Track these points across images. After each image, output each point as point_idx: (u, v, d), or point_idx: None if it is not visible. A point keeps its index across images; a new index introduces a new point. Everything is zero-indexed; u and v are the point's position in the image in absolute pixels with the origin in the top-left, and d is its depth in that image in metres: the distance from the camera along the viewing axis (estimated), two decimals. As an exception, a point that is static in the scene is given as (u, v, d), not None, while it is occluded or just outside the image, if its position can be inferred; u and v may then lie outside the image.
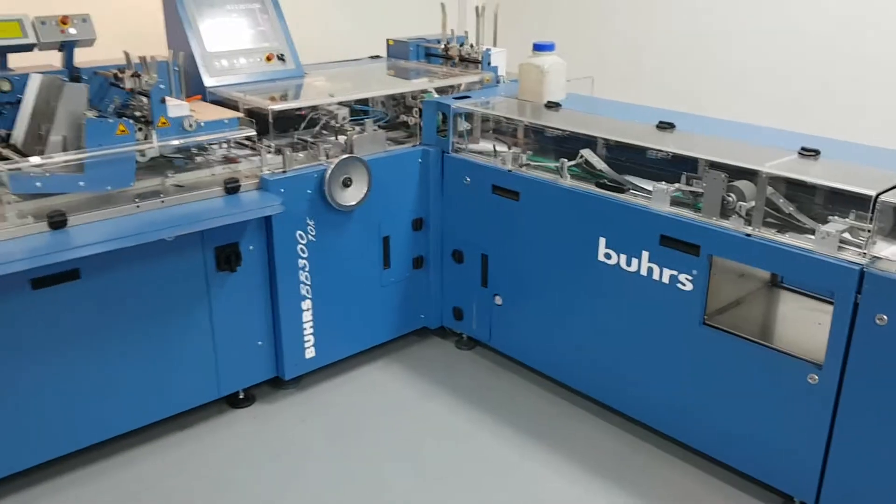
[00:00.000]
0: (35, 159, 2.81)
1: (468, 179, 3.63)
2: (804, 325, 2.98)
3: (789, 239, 2.61)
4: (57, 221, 2.77)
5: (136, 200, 2.97)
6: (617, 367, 3.23)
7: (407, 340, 4.08)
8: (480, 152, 3.65)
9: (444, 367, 3.88)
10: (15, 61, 3.24)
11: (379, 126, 3.68)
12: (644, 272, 3.00)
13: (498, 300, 3.68)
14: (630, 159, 3.26)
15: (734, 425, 2.87)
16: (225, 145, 3.41)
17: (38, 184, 2.78)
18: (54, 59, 3.38)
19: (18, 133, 3.06)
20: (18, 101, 3.12)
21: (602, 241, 3.13)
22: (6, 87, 3.13)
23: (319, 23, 5.07)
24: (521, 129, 3.73)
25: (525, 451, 3.26)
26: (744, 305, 3.11)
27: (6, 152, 2.98)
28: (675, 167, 3.05)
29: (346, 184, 3.43)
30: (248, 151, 3.42)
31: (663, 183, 2.95)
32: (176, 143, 3.08)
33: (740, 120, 3.47)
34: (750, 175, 2.73)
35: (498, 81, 4.17)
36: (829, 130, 3.17)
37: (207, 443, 3.30)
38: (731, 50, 4.82)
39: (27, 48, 3.19)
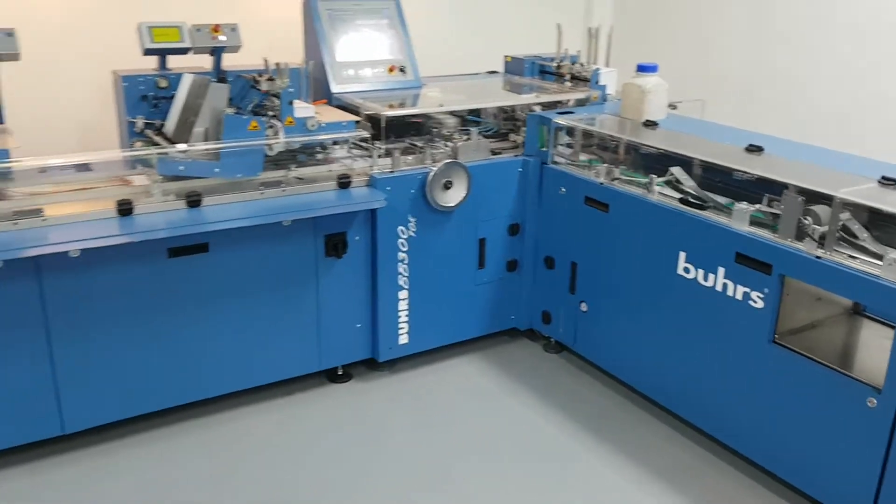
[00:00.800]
0: (180, 146, 3.28)
1: (563, 189, 3.84)
2: (878, 352, 2.97)
3: (858, 264, 2.66)
4: (193, 201, 3.22)
5: (261, 188, 3.40)
6: (689, 379, 3.34)
7: (497, 339, 4.32)
8: (577, 165, 3.85)
9: (530, 368, 4.09)
10: (172, 62, 3.75)
11: (484, 136, 3.96)
12: (719, 288, 3.11)
13: (583, 307, 3.86)
14: (721, 179, 3.37)
15: (797, 443, 2.92)
16: (344, 145, 3.79)
17: (180, 167, 3.25)
18: (206, 61, 3.87)
19: (170, 124, 3.56)
20: (172, 97, 3.63)
21: (682, 255, 3.25)
22: (164, 83, 3.64)
23: (446, 39, 5.42)
24: (616, 145, 3.89)
25: (598, 453, 3.42)
26: (820, 329, 3.14)
27: (158, 139, 3.48)
28: (759, 189, 3.14)
29: (447, 186, 3.72)
30: (363, 152, 3.79)
31: (744, 203, 3.06)
32: (299, 140, 3.48)
33: (847, 151, 3.48)
34: (826, 200, 2.79)
35: (605, 100, 4.35)
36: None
37: (306, 409, 3.67)
38: (843, 82, 4.77)
39: (183, 51, 3.69)
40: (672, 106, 4.47)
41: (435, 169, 3.65)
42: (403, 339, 3.89)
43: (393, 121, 3.79)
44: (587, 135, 3.92)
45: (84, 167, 3.41)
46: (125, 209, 3.09)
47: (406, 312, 3.85)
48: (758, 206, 3.06)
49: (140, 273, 3.19)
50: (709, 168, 3.35)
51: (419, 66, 4.38)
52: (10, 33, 3.21)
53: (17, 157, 3.03)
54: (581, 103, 4.29)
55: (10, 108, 3.37)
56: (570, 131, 3.92)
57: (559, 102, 4.22)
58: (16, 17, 3.54)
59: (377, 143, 3.71)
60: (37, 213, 2.98)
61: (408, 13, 4.42)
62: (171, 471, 3.23)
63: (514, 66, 4.85)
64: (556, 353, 4.23)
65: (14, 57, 3.25)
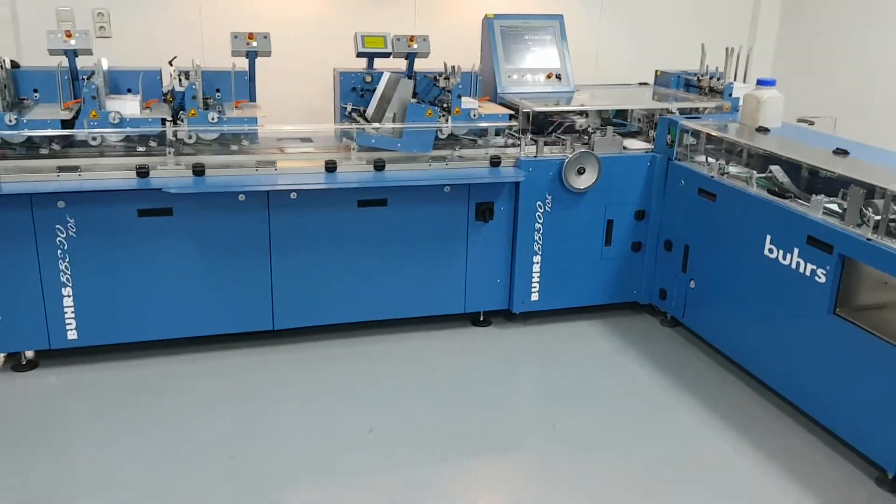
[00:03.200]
0: (375, 124, 4.36)
1: (683, 182, 4.50)
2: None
3: (899, 246, 3.17)
4: (379, 166, 4.28)
5: (430, 161, 4.39)
6: (766, 344, 3.89)
7: (620, 311, 5.02)
8: (696, 161, 4.49)
9: (643, 337, 4.75)
10: (377, 63, 4.84)
11: (618, 133, 4.71)
12: (793, 266, 3.66)
13: (692, 284, 4.48)
14: (818, 178, 3.90)
15: (850, 402, 3.43)
16: (502, 134, 4.70)
17: (373, 140, 4.32)
18: (402, 63, 4.94)
19: (370, 109, 4.65)
20: (374, 90, 4.72)
21: (768, 237, 3.83)
22: (368, 79, 4.75)
23: (615, 53, 6.18)
24: (733, 146, 4.48)
25: (687, 403, 4.04)
26: (886, 310, 3.59)
27: (360, 120, 4.59)
28: (843, 185, 3.65)
29: (580, 172, 4.51)
30: (516, 141, 4.67)
31: (822, 196, 3.60)
32: (463, 125, 4.44)
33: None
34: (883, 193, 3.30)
35: (736, 110, 4.93)
36: None
37: (450, 342, 4.62)
38: None
39: (386, 55, 4.77)
40: (809, 122, 4.97)
41: (570, 156, 4.46)
42: (535, 297, 4.72)
43: (540, 116, 4.65)
44: (709, 137, 4.54)
45: (307, 138, 4.59)
46: (331, 167, 4.20)
47: (538, 274, 4.67)
48: (832, 198, 3.59)
49: (337, 217, 4.28)
50: (801, 167, 3.90)
51: (591, 76, 5.28)
52: (265, 36, 4.45)
53: (262, 124, 4.22)
54: (713, 112, 4.90)
55: (260, 91, 4.61)
56: (693, 133, 4.56)
57: (693, 109, 4.87)
58: (270, 23, 4.78)
59: (528, 134, 4.58)
60: (271, 164, 4.16)
61: (585, 27, 5.30)
62: (350, 366, 4.29)
63: (663, 79, 5.52)
64: (670, 327, 4.86)
65: (267, 54, 4.49)
